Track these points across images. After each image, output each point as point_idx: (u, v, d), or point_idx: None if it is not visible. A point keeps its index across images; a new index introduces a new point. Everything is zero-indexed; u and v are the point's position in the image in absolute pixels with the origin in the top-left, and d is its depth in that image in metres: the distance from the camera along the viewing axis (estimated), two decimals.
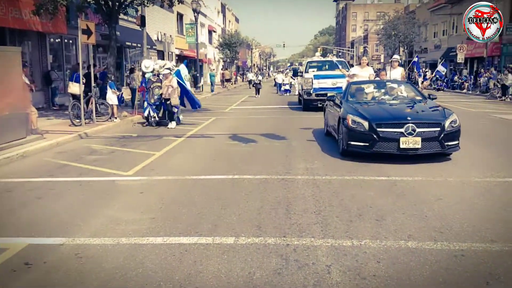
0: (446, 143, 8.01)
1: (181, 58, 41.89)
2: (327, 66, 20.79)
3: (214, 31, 58.54)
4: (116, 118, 14.96)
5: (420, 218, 5.26)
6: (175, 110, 14.32)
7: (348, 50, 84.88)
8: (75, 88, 14.37)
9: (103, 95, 15.74)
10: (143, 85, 14.88)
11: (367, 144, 8.07)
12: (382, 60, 69.08)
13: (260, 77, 35.54)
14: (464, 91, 33.55)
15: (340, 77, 17.24)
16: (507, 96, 25.39)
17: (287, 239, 4.65)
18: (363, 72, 11.21)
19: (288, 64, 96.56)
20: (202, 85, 36.65)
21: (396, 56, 11.92)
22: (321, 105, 16.87)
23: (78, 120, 13.74)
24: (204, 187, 6.81)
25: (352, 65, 25.08)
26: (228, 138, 11.72)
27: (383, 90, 10.11)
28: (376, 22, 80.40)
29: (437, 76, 32.00)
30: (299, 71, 22.98)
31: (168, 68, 14.32)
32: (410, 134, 7.84)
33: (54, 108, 19.41)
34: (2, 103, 9.78)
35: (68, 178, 7.63)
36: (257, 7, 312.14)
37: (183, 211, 5.63)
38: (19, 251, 4.51)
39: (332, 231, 4.85)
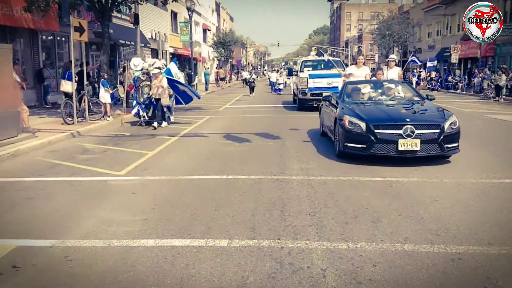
0: (445, 146, 7.84)
1: (175, 57, 41.78)
2: (322, 65, 20.55)
3: (209, 30, 58.34)
4: (109, 116, 14.81)
5: (416, 220, 5.19)
6: (165, 109, 14.02)
7: (343, 50, 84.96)
8: (67, 86, 14.21)
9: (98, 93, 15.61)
10: (132, 83, 14.54)
11: (364, 146, 7.87)
12: (376, 60, 69.15)
13: (254, 76, 35.38)
14: (458, 91, 33.61)
15: (335, 77, 17.08)
16: (500, 96, 25.45)
17: (282, 241, 4.57)
18: (360, 72, 11.01)
19: (283, 63, 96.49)
20: (197, 83, 36.48)
21: (392, 56, 11.73)
22: (316, 105, 16.75)
23: (70, 119, 13.59)
24: (198, 188, 6.71)
25: (346, 65, 24.98)
26: (222, 137, 11.63)
27: (380, 91, 9.92)
28: (370, 22, 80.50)
29: (430, 71, 32.10)
30: (294, 70, 22.73)
31: (158, 67, 14.00)
32: (408, 136, 7.66)
33: (47, 106, 19.23)
34: None
35: (59, 177, 7.50)
36: (252, 6, 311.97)
37: (176, 212, 5.53)
38: (7, 253, 4.39)
39: (327, 234, 4.77)
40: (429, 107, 8.93)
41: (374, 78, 10.92)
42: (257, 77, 50.16)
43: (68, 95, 14.20)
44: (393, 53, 56.92)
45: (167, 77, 13.92)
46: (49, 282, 3.85)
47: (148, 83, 13.90)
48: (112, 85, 16.53)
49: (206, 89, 35.42)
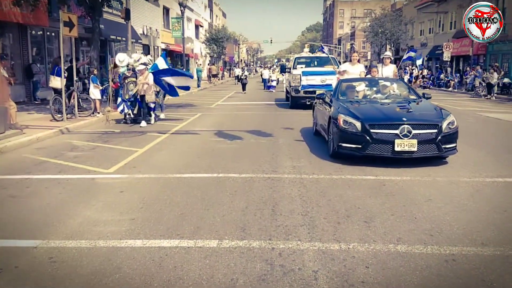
0: (443, 146, 7.60)
1: (167, 53, 41.52)
2: (315, 62, 20.27)
3: (201, 26, 58.04)
4: (99, 113, 14.62)
5: (409, 220, 5.11)
6: (152, 106, 13.63)
7: (335, 47, 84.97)
8: (56, 82, 14.02)
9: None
10: (117, 80, 14.14)
11: (360, 146, 7.60)
12: (369, 57, 69.21)
13: (246, 73, 35.18)
14: (450, 89, 33.71)
15: (329, 74, 16.88)
16: (492, 94, 25.53)
17: (273, 242, 4.46)
18: (354, 69, 10.72)
19: (275, 60, 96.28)
20: None
21: (387, 53, 11.47)
22: (309, 103, 16.55)
23: (59, 115, 13.39)
24: (188, 186, 6.58)
25: (339, 62, 24.77)
26: (213, 134, 11.50)
27: (375, 88, 9.64)
28: (363, 19, 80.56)
29: (420, 69, 32.14)
30: (287, 67, 22.44)
31: (144, 63, 13.66)
32: (405, 136, 7.41)
33: (36, 102, 18.98)
34: None
35: (46, 175, 7.34)
36: (245, 2, 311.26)
37: (164, 212, 5.41)
38: None
39: (319, 234, 4.67)
40: (426, 106, 8.71)
41: (368, 76, 10.68)
42: (249, 74, 49.98)
43: (57, 91, 13.99)
44: (386, 51, 57.11)
45: (153, 73, 13.46)
46: (31, 285, 3.72)
47: (134, 79, 13.50)
48: (106, 80, 16.24)
49: (198, 86, 35.21)
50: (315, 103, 10.94)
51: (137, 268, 3.93)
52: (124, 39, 24.37)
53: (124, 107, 13.61)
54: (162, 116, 14.91)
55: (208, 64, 52.08)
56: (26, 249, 4.39)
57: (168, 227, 4.87)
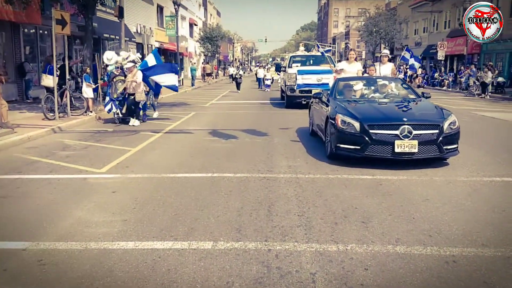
0: (444, 147, 7.35)
1: (161, 51, 41.29)
2: (311, 61, 20.02)
3: (195, 25, 57.80)
4: (91, 112, 14.44)
5: (407, 220, 5.02)
6: (141, 105, 13.36)
7: (330, 46, 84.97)
8: (48, 80, 13.84)
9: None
10: (105, 79, 13.78)
11: (358, 147, 7.33)
12: (363, 57, 69.23)
13: (241, 72, 35.02)
14: (444, 88, 33.75)
15: (325, 73, 16.57)
16: (486, 93, 25.57)
17: (269, 243, 4.35)
18: (351, 68, 10.45)
19: (270, 59, 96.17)
20: (183, 79, 36.10)
21: (385, 51, 11.26)
22: (305, 102, 16.35)
23: (51, 114, 13.21)
24: (181, 186, 6.45)
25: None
26: (208, 133, 11.38)
27: (373, 88, 9.39)
28: (357, 18, 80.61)
29: (413, 71, 32.08)
30: (282, 66, 22.17)
31: (132, 61, 13.30)
32: (406, 136, 7.15)
33: (28, 101, 18.77)
34: None
35: (37, 175, 7.19)
36: (239, 1, 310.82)
37: (158, 212, 5.28)
38: None
39: (316, 235, 4.57)
40: (427, 106, 8.47)
41: (366, 75, 10.52)
42: (244, 73, 49.83)
43: (49, 90, 13.81)
44: (382, 49, 57.13)
45: (142, 71, 13.13)
46: None
47: (122, 78, 13.14)
48: (102, 79, 16.01)
49: (193, 85, 35.07)
50: (312, 102, 10.70)
51: (129, 271, 3.81)
52: (117, 37, 24.17)
53: (112, 107, 13.22)
54: (155, 115, 14.69)
55: (202, 63, 51.86)
56: (15, 251, 4.26)
57: (161, 228, 4.75)
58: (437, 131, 7.36)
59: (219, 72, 60.66)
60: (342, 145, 7.57)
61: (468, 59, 34.22)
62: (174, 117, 15.11)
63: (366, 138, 7.29)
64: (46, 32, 21.10)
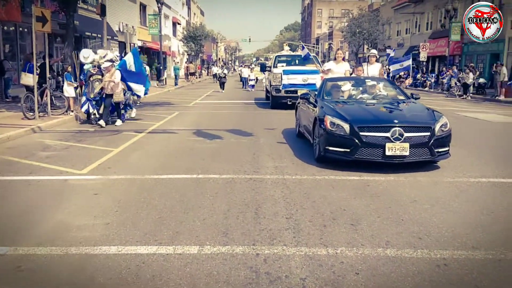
0: (436, 150, 7.16)
1: (143, 50, 40.88)
2: (297, 61, 19.70)
3: (179, 23, 57.39)
4: (72, 111, 14.12)
5: (396, 222, 4.96)
6: (121, 105, 12.94)
7: (313, 47, 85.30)
8: (28, 79, 13.54)
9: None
10: (82, 78, 13.32)
11: (348, 150, 7.09)
12: (346, 57, 69.59)
13: (225, 71, 34.82)
14: (426, 89, 34.07)
15: (311, 73, 16.42)
16: (468, 94, 25.86)
17: (257, 247, 4.23)
18: (339, 68, 10.23)
19: (254, 59, 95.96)
20: (166, 78, 35.78)
21: (373, 51, 11.03)
22: (290, 103, 16.15)
23: (31, 113, 12.90)
24: (166, 188, 6.29)
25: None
26: (192, 134, 11.21)
27: (361, 88, 9.16)
28: (340, 19, 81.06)
29: (395, 74, 32.39)
30: (267, 65, 21.89)
31: (110, 60, 12.83)
32: (397, 139, 6.94)
33: (7, 100, 18.28)
34: None
35: (16, 177, 6.95)
36: (223, 1, 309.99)
37: (141, 215, 5.12)
38: None
39: (305, 238, 4.47)
40: (417, 107, 8.27)
41: (354, 75, 10.35)
42: (228, 72, 49.59)
43: (29, 89, 13.50)
44: (367, 49, 57.48)
45: (120, 71, 12.61)
46: None
47: (99, 77, 12.64)
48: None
49: (176, 84, 34.79)
50: (298, 103, 10.39)
51: (112, 277, 3.66)
52: (99, 35, 23.79)
53: (89, 107, 12.76)
54: (133, 114, 14.15)
55: (186, 62, 51.49)
56: None
57: (145, 232, 4.59)
58: (428, 133, 7.17)
59: (203, 71, 60.31)
60: (331, 148, 7.33)
61: (449, 60, 34.64)
62: (158, 116, 14.89)
63: (356, 141, 7.06)
64: (26, 29, 20.67)
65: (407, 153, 6.99)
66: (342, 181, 6.65)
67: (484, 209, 5.44)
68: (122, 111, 13.20)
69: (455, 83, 27.70)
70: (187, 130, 11.77)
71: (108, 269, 3.80)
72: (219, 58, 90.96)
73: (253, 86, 32.14)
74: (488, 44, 31.45)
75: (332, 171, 7.19)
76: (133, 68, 13.00)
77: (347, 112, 7.67)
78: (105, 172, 7.16)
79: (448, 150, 7.50)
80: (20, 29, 20.46)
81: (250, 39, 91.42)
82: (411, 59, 30.24)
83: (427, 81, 35.33)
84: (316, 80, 15.82)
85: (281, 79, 17.41)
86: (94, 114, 12.87)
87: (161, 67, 34.92)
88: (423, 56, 35.92)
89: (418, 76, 38.08)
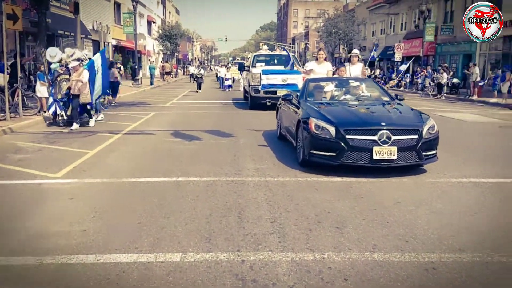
0: (424, 153, 6.95)
1: (118, 49, 40.23)
2: (275, 61, 19.43)
3: (154, 22, 56.70)
4: (45, 112, 13.70)
5: (382, 224, 4.89)
6: (89, 107, 12.39)
7: (290, 46, 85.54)
8: None
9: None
10: (49, 78, 12.82)
11: (334, 154, 6.80)
12: None
13: (202, 71, 34.47)
14: (401, 88, 34.46)
15: (291, 73, 16.37)
16: (442, 94, 26.26)
17: (242, 253, 4.10)
18: (321, 68, 9.87)
19: (230, 59, 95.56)
20: (141, 77, 35.25)
21: (355, 51, 10.80)
22: (270, 103, 15.97)
23: (2, 114, 12.47)
24: (144, 192, 6.10)
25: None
26: (170, 134, 10.99)
27: (344, 89, 8.90)
28: (316, 19, 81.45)
29: (399, 73, 32.71)
30: (245, 65, 21.60)
31: (78, 59, 12.34)
32: (384, 142, 6.68)
33: None
34: None
35: None
36: (198, 0, 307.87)
37: (119, 221, 4.92)
38: None
39: (291, 243, 4.35)
40: (403, 109, 7.96)
41: (336, 75, 10.19)
42: (204, 72, 49.22)
43: None
44: (340, 50, 57.94)
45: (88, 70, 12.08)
46: None
47: (67, 76, 12.14)
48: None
49: (152, 84, 34.31)
50: (280, 104, 10.05)
51: None
52: (72, 34, 23.19)
53: (56, 108, 12.22)
54: (99, 118, 13.56)
55: (161, 62, 50.92)
56: None
57: (125, 240, 4.40)
58: (416, 136, 6.94)
59: (179, 71, 59.74)
60: (316, 152, 7.03)
61: (424, 61, 35.14)
62: (134, 117, 14.58)
63: (342, 144, 6.78)
64: None
65: (395, 157, 6.75)
66: (325, 183, 6.57)
67: (468, 210, 5.44)
68: (92, 112, 12.75)
69: (429, 83, 28.12)
70: (164, 131, 11.54)
71: (86, 280, 3.60)
72: (195, 58, 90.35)
73: (230, 86, 31.86)
74: (461, 45, 32.12)
75: (315, 172, 7.09)
76: (99, 70, 12.62)
77: (332, 114, 7.38)
78: (81, 176, 6.91)
79: (436, 153, 7.31)
80: None
81: (226, 38, 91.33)
82: (407, 65, 30.50)
83: (402, 81, 35.75)
84: (297, 80, 15.68)
85: (260, 79, 17.11)
86: (62, 115, 12.34)
87: (136, 66, 34.38)
88: (398, 56, 36.36)
89: (393, 76, 38.50)
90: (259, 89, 17.13)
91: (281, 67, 17.84)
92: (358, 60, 10.22)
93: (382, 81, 38.67)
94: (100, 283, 3.55)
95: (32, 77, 16.38)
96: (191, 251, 4.13)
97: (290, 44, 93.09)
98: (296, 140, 7.90)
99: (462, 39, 31.93)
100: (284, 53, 19.14)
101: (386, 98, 8.71)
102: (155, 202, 5.59)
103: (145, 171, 7.23)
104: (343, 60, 55.91)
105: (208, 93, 28.64)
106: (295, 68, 12.95)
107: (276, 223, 4.89)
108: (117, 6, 40.34)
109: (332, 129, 6.90)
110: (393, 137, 6.76)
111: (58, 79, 12.29)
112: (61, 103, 12.25)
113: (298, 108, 8.19)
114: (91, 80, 12.17)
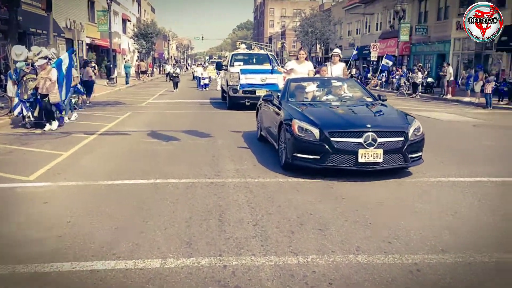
0: (409, 156, 6.80)
1: (92, 48, 39.52)
2: (254, 60, 19.20)
3: (129, 20, 55.90)
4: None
5: (364, 225, 4.86)
6: (55, 108, 11.74)
7: (266, 46, 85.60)
8: None
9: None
10: (14, 77, 12.26)
11: (318, 157, 6.60)
12: None
13: (178, 70, 34.08)
14: (377, 88, 34.83)
15: (271, 73, 16.08)
16: (417, 93, 26.63)
17: (224, 258, 4.00)
18: (302, 68, 9.65)
19: (207, 57, 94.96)
20: (116, 76, 34.70)
21: (337, 50, 10.63)
22: (249, 103, 15.86)
23: None
24: (121, 195, 5.93)
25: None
26: (146, 135, 10.78)
27: (326, 89, 8.72)
28: (293, 19, 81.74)
29: (384, 69, 32.78)
30: (223, 64, 21.34)
31: (45, 57, 11.86)
32: (370, 145, 6.51)
33: None
34: None
35: None
36: None
37: (96, 226, 4.75)
38: None
39: (274, 246, 4.27)
40: (388, 110, 7.82)
41: (317, 75, 9.97)
42: (181, 71, 48.76)
43: None
44: (316, 50, 58.21)
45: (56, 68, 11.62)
46: None
47: (34, 76, 11.64)
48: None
49: (127, 83, 33.76)
50: (260, 105, 9.78)
51: None
52: (45, 32, 22.63)
53: (22, 109, 11.70)
54: (72, 118, 13.33)
55: (137, 60, 50.22)
56: None
57: (102, 245, 4.24)
58: (402, 138, 6.77)
59: (155, 70, 59.05)
60: (299, 155, 6.78)
61: (399, 60, 35.58)
62: (109, 117, 14.28)
63: (327, 147, 6.57)
64: None
65: (380, 160, 6.57)
66: (306, 184, 6.51)
67: (448, 210, 5.45)
68: (62, 114, 12.32)
69: (404, 83, 28.48)
70: (141, 131, 11.32)
71: None
72: (171, 56, 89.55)
73: (207, 85, 31.58)
74: (434, 45, 32.65)
75: (295, 173, 7.02)
76: (64, 70, 12.19)
77: (316, 115, 7.14)
78: (55, 179, 6.68)
79: (421, 155, 7.16)
80: None
81: (202, 37, 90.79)
82: (390, 61, 30.40)
83: (378, 80, 36.13)
84: (276, 80, 15.59)
85: (239, 78, 16.87)
86: (29, 117, 11.87)
87: (111, 65, 33.80)
88: (373, 56, 36.74)
89: (369, 75, 38.91)
90: (238, 88, 16.88)
91: (260, 67, 17.65)
92: (339, 60, 10.12)
93: (359, 81, 39.09)
94: None
95: (3, 76, 15.87)
96: (171, 257, 4.01)
97: (267, 43, 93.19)
98: (278, 142, 7.67)
99: (436, 39, 32.50)
100: (263, 52, 19.00)
101: (369, 99, 8.51)
102: (133, 206, 5.44)
103: (122, 173, 7.05)
104: (319, 60, 56.24)
105: (185, 92, 28.36)
106: (275, 68, 12.79)
107: (258, 226, 4.80)
108: (91, 3, 39.59)
109: (316, 131, 6.70)
110: (379, 139, 6.59)
111: (24, 78, 11.78)
112: (28, 104, 11.74)
113: (279, 109, 7.96)
114: (59, 80, 11.74)
